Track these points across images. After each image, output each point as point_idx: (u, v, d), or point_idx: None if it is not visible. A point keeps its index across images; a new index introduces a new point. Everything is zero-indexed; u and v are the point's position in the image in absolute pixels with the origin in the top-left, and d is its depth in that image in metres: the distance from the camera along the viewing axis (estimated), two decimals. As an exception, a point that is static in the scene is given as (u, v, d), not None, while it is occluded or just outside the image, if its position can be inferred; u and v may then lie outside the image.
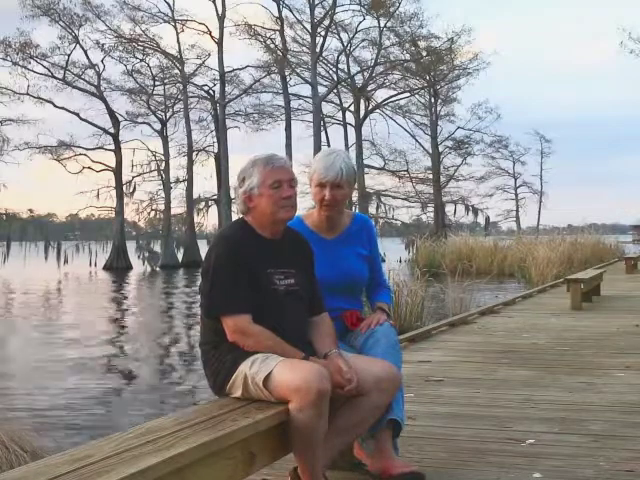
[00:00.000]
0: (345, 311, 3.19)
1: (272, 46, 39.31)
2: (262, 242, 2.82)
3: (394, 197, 45.36)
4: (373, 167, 44.99)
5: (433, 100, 45.03)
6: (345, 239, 3.26)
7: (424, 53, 41.92)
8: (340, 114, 44.17)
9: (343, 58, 42.46)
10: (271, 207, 2.78)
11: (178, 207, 41.69)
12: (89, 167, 38.89)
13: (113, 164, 39.19)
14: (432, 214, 44.87)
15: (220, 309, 2.71)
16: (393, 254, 32.24)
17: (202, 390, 7.66)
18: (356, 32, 41.17)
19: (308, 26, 38.99)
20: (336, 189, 3.11)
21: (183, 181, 41.41)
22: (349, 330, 3.18)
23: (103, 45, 38.85)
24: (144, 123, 41.00)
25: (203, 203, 42.78)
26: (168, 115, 41.68)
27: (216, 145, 41.11)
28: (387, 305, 3.32)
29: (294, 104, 41.01)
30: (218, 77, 39.17)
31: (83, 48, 38.62)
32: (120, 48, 39.68)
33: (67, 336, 12.84)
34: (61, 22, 37.94)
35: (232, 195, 35.77)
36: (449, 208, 45.97)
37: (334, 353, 2.77)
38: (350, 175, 3.15)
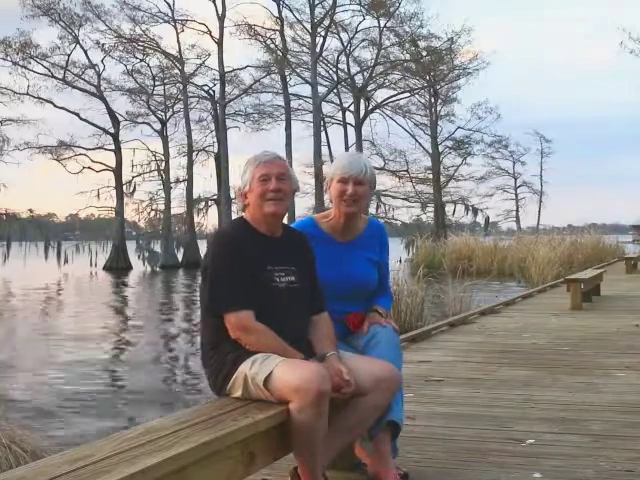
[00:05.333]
0: (348, 314, 3.16)
1: (272, 46, 39.32)
2: (261, 239, 2.82)
3: (394, 197, 45.33)
4: (373, 167, 44.88)
5: (433, 100, 44.98)
6: (358, 244, 3.24)
7: (424, 53, 41.91)
8: (340, 114, 44.18)
9: (343, 58, 42.46)
10: (258, 201, 2.79)
11: (178, 207, 41.74)
12: (89, 167, 38.92)
13: (113, 164, 39.18)
14: (432, 214, 44.84)
15: (222, 306, 2.70)
16: (393, 254, 32.17)
17: (202, 390, 7.66)
18: (356, 32, 41.19)
19: (308, 26, 38.97)
20: (358, 185, 3.11)
21: (183, 181, 41.42)
22: (352, 333, 3.15)
23: (103, 45, 38.91)
24: (144, 123, 41.07)
25: (203, 203, 42.73)
26: (168, 115, 41.71)
27: (216, 145, 41.08)
28: (385, 310, 3.28)
29: (294, 104, 41.05)
30: (218, 77, 39.12)
31: (83, 48, 38.68)
32: (120, 48, 39.71)
33: (67, 336, 12.83)
34: (61, 22, 37.95)
35: (232, 195, 35.78)
36: (449, 208, 45.93)
37: (332, 355, 2.76)
38: (372, 175, 3.18)
